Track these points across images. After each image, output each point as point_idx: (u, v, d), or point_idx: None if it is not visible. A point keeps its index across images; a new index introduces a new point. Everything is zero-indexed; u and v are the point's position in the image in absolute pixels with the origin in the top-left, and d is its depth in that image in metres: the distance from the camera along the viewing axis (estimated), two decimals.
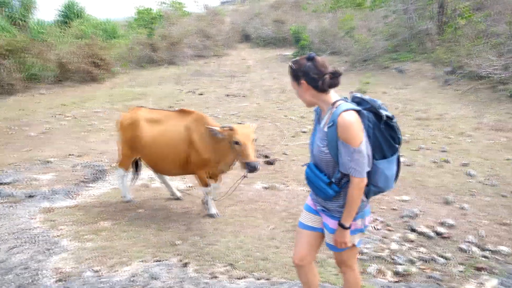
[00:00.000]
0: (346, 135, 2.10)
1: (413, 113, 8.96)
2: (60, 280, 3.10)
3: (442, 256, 3.75)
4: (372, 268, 3.55)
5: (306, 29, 18.04)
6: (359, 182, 2.16)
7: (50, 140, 8.27)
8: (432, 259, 3.71)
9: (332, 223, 2.35)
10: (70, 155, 7.08)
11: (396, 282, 3.36)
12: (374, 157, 2.22)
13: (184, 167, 4.30)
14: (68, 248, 3.64)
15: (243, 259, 3.51)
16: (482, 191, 5.21)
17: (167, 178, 4.94)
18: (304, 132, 8.17)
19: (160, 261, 3.43)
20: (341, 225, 2.27)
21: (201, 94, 12.47)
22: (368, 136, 2.18)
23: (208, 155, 4.11)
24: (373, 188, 2.29)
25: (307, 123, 8.74)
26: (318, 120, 2.36)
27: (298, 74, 2.23)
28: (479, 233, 4.15)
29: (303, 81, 2.21)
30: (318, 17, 19.61)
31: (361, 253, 3.82)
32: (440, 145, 7.04)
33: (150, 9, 20.57)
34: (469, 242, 3.98)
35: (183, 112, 4.38)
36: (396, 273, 3.50)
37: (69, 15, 21.93)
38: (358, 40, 14.16)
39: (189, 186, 5.50)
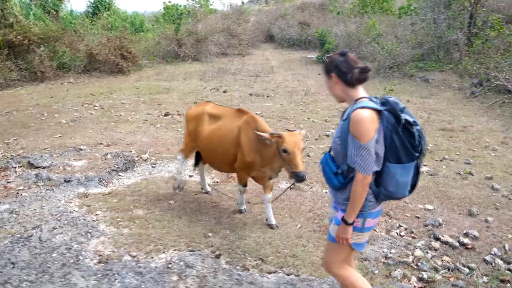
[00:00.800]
0: (356, 130, 2.16)
1: (438, 123, 8.94)
2: (100, 262, 3.29)
3: (466, 266, 3.81)
4: (397, 272, 3.63)
5: (331, 32, 18.04)
6: (362, 179, 2.20)
7: (80, 128, 8.54)
8: (456, 268, 3.78)
9: (338, 215, 2.42)
10: (99, 144, 7.31)
11: (421, 287, 3.45)
12: (388, 160, 2.22)
13: (232, 166, 4.30)
14: (106, 232, 3.83)
15: (272, 255, 3.65)
16: (506, 206, 5.22)
17: (204, 172, 5.12)
18: (327, 135, 8.23)
19: (193, 251, 3.59)
20: (344, 220, 2.31)
21: (225, 92, 12.63)
22: (385, 138, 2.20)
23: (252, 158, 4.05)
24: (383, 190, 2.29)
25: (331, 127, 8.81)
26: (342, 114, 2.44)
27: (329, 67, 2.34)
28: (503, 246, 4.19)
29: (333, 74, 2.31)
30: (344, 21, 19.59)
31: (386, 257, 3.92)
32: (464, 157, 7.04)
33: (178, 5, 20.86)
34: (493, 254, 4.03)
35: (239, 111, 4.36)
36: (421, 279, 3.58)
37: (99, 7, 22.42)
38: (384, 47, 14.11)
39: (216, 182, 5.65)
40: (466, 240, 4.28)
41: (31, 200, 4.60)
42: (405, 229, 4.52)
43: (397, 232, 4.43)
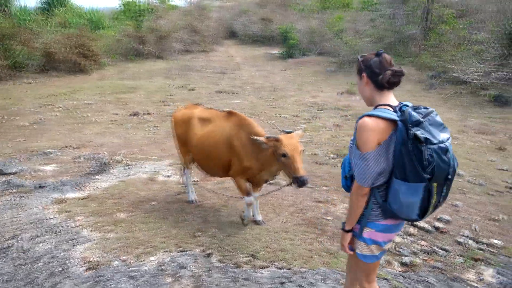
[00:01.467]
0: (358, 138, 2.05)
1: None
2: (90, 269, 3.21)
3: (442, 249, 4.05)
4: (382, 259, 3.80)
5: (294, 28, 18.27)
6: (357, 188, 2.10)
7: (44, 130, 8.22)
8: (433, 251, 4.00)
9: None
10: (67, 146, 7.08)
11: (404, 272, 3.63)
12: (395, 175, 2.03)
13: (227, 170, 4.11)
14: (91, 238, 3.74)
15: (262, 250, 3.71)
16: (471, 190, 5.57)
17: (191, 181, 4.85)
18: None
19: (184, 251, 3.58)
20: (342, 226, 2.27)
21: (193, 90, 12.54)
22: (395, 150, 2.01)
23: (249, 162, 3.83)
24: (388, 206, 2.09)
25: (301, 122, 8.98)
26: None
27: (362, 67, 2.19)
28: (473, 228, 4.47)
29: (364, 74, 2.16)
30: (306, 17, 19.88)
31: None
32: None
33: (139, 1, 20.35)
34: (465, 236, 4.30)
35: (229, 114, 4.17)
36: (403, 264, 3.77)
37: (52, 3, 21.47)
38: (346, 42, 14.49)
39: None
40: (439, 225, 4.53)
41: (4, 208, 4.40)
42: None
43: None
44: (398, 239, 4.21)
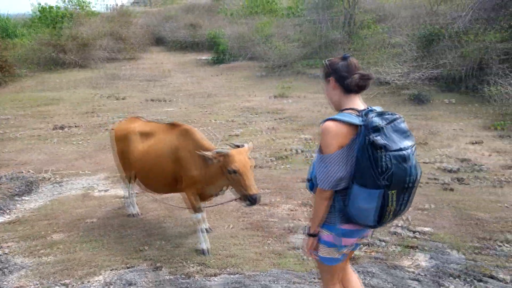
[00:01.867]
0: (320, 142, 2.06)
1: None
2: None
3: (381, 240, 4.31)
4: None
5: (223, 34, 18.36)
6: (319, 191, 2.09)
7: None
8: (373, 243, 4.25)
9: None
10: None
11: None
12: (354, 179, 2.02)
13: (172, 186, 3.91)
14: (25, 265, 3.45)
15: (212, 258, 3.68)
16: None
17: (134, 197, 4.69)
18: (236, 135, 8.43)
19: (131, 267, 3.44)
20: (306, 230, 2.28)
21: (122, 99, 12.06)
22: (357, 155, 2.00)
23: (196, 173, 3.64)
24: (347, 211, 2.08)
25: (237, 127, 9.04)
26: None
27: (329, 71, 2.18)
28: (405, 218, 4.82)
29: (331, 78, 2.16)
30: (234, 23, 20.08)
31: None
32: None
33: (58, 7, 19.11)
34: (399, 226, 4.62)
35: (173, 126, 3.98)
36: None
37: None
38: (275, 47, 14.87)
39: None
40: None
41: None
42: None
43: None
44: None
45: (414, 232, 4.48)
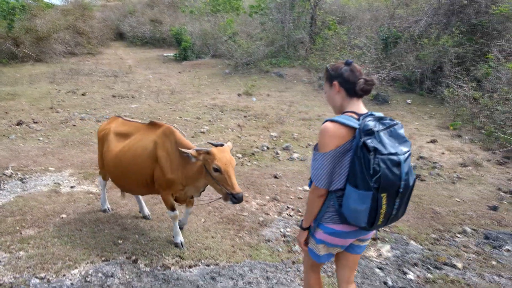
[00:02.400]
0: (318, 141, 2.14)
1: (297, 114, 10.06)
2: None
3: None
4: (297, 247, 4.15)
5: (187, 30, 18.24)
6: (314, 188, 2.17)
7: None
8: None
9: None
10: None
11: None
12: (348, 180, 2.10)
13: (150, 186, 3.80)
14: None
15: (188, 250, 3.77)
16: None
17: (104, 189, 4.57)
18: (202, 132, 8.49)
19: (108, 260, 3.46)
20: (300, 224, 2.40)
21: (84, 95, 11.75)
22: (352, 157, 2.08)
23: (173, 176, 3.55)
24: (342, 211, 2.15)
25: (204, 124, 9.09)
26: None
27: (332, 75, 2.26)
28: None
29: (335, 82, 2.23)
30: (197, 20, 19.99)
31: (284, 235, 4.41)
32: None
33: None
34: None
35: (153, 125, 3.88)
36: None
37: None
38: (240, 45, 14.98)
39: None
40: None
41: None
42: (293, 209, 5.11)
43: (287, 213, 4.99)
44: None
45: None
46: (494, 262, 3.93)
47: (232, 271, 3.42)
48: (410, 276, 3.63)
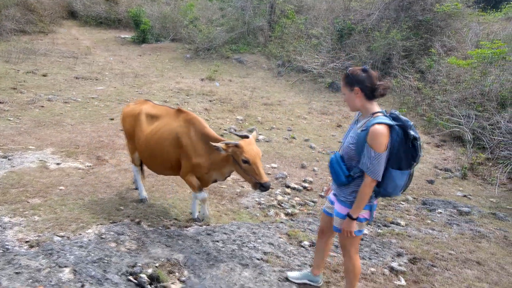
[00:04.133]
0: (372, 142, 2.52)
1: (259, 99, 10.78)
2: (32, 246, 3.40)
3: (311, 201, 5.40)
4: (271, 212, 4.93)
5: (145, 13, 18.20)
6: (371, 182, 2.58)
7: None
8: (306, 203, 5.32)
9: (338, 207, 2.81)
10: None
11: (289, 219, 4.81)
12: (391, 166, 2.59)
13: (174, 169, 4.11)
14: (16, 223, 3.80)
15: (182, 215, 4.41)
16: (322, 158, 7.20)
17: (140, 178, 4.73)
18: None
19: (115, 222, 4.01)
20: (349, 216, 2.68)
21: (45, 75, 11.67)
22: (392, 148, 2.55)
23: (199, 160, 3.81)
24: (382, 191, 2.66)
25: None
26: (355, 122, 2.80)
27: (353, 81, 2.66)
28: (329, 185, 5.97)
29: (356, 88, 2.64)
30: (154, 1, 19.89)
31: (260, 204, 5.16)
32: (285, 125, 8.96)
33: None
34: (324, 191, 5.75)
35: (179, 112, 4.10)
36: (287, 214, 4.97)
37: None
38: (201, 30, 15.31)
39: (88, 166, 5.80)
40: (306, 185, 5.91)
41: None
42: None
43: None
44: (279, 197, 5.40)
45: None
46: (428, 221, 4.95)
47: (224, 229, 4.11)
48: (365, 231, 4.52)
